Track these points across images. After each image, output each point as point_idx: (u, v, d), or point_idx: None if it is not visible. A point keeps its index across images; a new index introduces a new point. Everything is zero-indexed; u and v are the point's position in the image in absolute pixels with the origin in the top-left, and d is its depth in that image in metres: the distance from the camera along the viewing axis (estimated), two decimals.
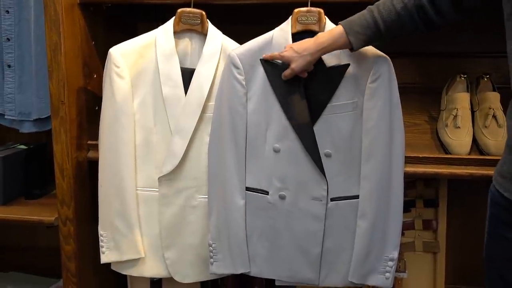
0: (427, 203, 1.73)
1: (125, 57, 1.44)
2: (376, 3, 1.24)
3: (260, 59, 1.36)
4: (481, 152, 1.50)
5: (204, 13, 1.46)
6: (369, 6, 1.25)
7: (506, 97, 1.20)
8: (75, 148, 1.54)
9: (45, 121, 1.66)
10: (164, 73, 1.45)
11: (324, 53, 1.29)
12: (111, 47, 1.45)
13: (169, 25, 1.47)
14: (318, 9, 1.37)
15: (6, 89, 1.65)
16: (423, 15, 1.20)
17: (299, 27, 1.38)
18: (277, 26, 1.40)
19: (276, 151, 1.39)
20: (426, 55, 1.77)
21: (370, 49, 1.34)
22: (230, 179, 1.41)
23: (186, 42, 1.50)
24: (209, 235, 1.45)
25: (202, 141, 1.47)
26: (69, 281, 1.58)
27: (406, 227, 1.70)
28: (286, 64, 1.32)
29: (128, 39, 1.47)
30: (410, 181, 1.70)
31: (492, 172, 1.16)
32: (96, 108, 1.59)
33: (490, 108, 1.54)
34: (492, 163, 1.22)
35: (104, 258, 1.52)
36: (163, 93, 1.45)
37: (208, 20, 1.48)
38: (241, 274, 1.47)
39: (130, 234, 1.49)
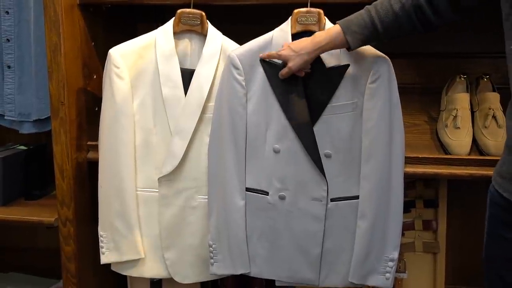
0: (427, 203, 1.73)
1: (125, 58, 1.44)
2: (374, 3, 1.24)
3: (260, 60, 1.37)
4: (481, 153, 1.50)
5: (203, 13, 1.46)
6: (367, 6, 1.25)
7: (506, 98, 1.20)
8: (75, 149, 1.54)
9: (45, 122, 1.66)
10: (164, 74, 1.45)
11: (321, 52, 1.30)
12: (111, 48, 1.45)
13: (168, 26, 1.47)
14: (318, 9, 1.37)
15: (6, 90, 1.65)
16: (421, 15, 1.20)
17: (298, 28, 1.38)
18: (277, 26, 1.40)
19: (276, 151, 1.39)
20: (426, 55, 1.77)
21: (369, 50, 1.34)
22: (230, 180, 1.41)
23: (186, 43, 1.50)
24: (209, 236, 1.45)
25: (202, 141, 1.47)
26: (69, 282, 1.58)
27: (406, 227, 1.70)
28: (285, 64, 1.32)
29: (128, 40, 1.47)
30: (410, 181, 1.70)
31: (492, 172, 1.16)
32: (96, 109, 1.59)
33: (490, 109, 1.54)
34: (492, 163, 1.22)
35: (104, 259, 1.52)
36: (163, 93, 1.45)
37: (208, 20, 1.48)
38: (241, 275, 1.47)
39: (130, 234, 1.49)
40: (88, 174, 1.61)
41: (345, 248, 1.41)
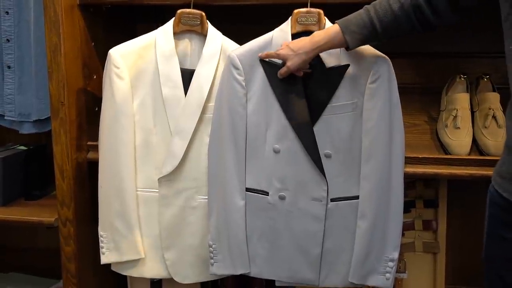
0: (427, 203, 1.73)
1: (124, 58, 1.44)
2: (373, 2, 1.24)
3: (260, 60, 1.37)
4: (481, 153, 1.50)
5: (203, 14, 1.46)
6: (366, 6, 1.25)
7: (506, 98, 1.20)
8: (75, 149, 1.54)
9: (45, 122, 1.66)
10: (164, 74, 1.45)
11: (320, 52, 1.30)
12: (111, 48, 1.45)
13: (168, 26, 1.47)
14: (318, 10, 1.37)
15: (6, 90, 1.65)
16: (420, 15, 1.20)
17: (298, 28, 1.38)
18: (277, 26, 1.40)
19: (276, 151, 1.39)
20: (426, 55, 1.77)
21: (369, 50, 1.34)
22: (230, 180, 1.41)
23: (186, 43, 1.50)
24: (209, 236, 1.45)
25: (202, 142, 1.47)
26: (69, 282, 1.58)
27: (406, 227, 1.70)
28: (284, 64, 1.32)
29: (128, 40, 1.47)
30: (410, 181, 1.70)
31: (492, 172, 1.16)
32: (96, 109, 1.59)
33: (490, 109, 1.54)
34: (492, 163, 1.22)
35: (104, 259, 1.52)
36: (163, 94, 1.45)
37: (207, 21, 1.48)
38: (241, 275, 1.47)
39: (130, 235, 1.49)
40: (88, 174, 1.61)
41: (345, 248, 1.41)
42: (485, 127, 1.51)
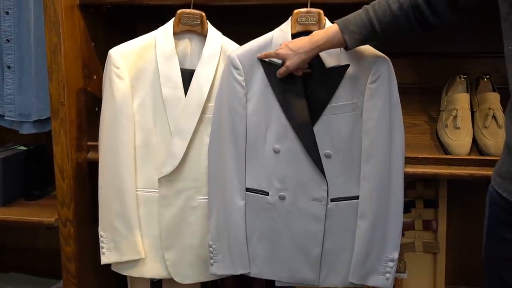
0: (427, 203, 1.73)
1: (124, 58, 1.44)
2: (372, 2, 1.24)
3: (259, 60, 1.37)
4: (481, 153, 1.50)
5: (203, 14, 1.47)
6: (365, 6, 1.25)
7: (505, 98, 1.20)
8: (75, 149, 1.54)
9: (45, 122, 1.66)
10: (164, 74, 1.45)
11: (319, 51, 1.30)
12: (111, 48, 1.45)
13: (168, 26, 1.47)
14: (318, 10, 1.37)
15: (6, 90, 1.65)
16: (419, 15, 1.20)
17: (298, 28, 1.38)
18: (277, 26, 1.40)
19: (276, 151, 1.39)
20: (425, 55, 1.77)
21: (369, 50, 1.34)
22: (230, 180, 1.41)
23: (186, 43, 1.50)
24: (209, 236, 1.45)
25: (202, 142, 1.47)
26: (69, 282, 1.58)
27: (406, 227, 1.70)
28: (284, 64, 1.32)
29: (128, 40, 1.47)
30: (410, 181, 1.70)
31: (492, 172, 1.16)
32: (96, 109, 1.59)
33: (490, 109, 1.54)
34: (492, 163, 1.22)
35: (104, 259, 1.52)
36: (163, 94, 1.45)
37: (207, 21, 1.48)
38: (241, 275, 1.47)
39: (130, 235, 1.49)
40: (88, 175, 1.61)
41: (345, 248, 1.41)
42: (485, 127, 1.51)
